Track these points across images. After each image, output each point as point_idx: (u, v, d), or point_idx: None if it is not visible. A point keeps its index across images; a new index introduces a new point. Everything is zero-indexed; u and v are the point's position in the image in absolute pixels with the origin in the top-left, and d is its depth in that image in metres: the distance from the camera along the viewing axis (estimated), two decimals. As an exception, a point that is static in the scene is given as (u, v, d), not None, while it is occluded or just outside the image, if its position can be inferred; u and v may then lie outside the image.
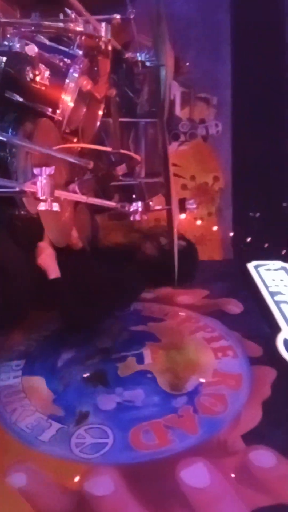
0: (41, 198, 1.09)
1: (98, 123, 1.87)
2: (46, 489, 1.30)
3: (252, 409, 1.60)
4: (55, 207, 1.12)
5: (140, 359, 1.83)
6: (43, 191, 1.08)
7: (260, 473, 1.36)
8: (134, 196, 2.00)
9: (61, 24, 1.39)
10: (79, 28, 1.38)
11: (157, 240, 2.10)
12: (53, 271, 1.73)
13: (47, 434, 1.47)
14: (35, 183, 1.09)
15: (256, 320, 2.15)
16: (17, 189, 1.11)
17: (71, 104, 1.49)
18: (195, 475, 1.34)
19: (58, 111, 1.47)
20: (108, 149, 1.70)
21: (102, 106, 1.86)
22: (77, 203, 1.72)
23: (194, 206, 1.94)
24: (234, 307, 2.25)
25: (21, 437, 1.46)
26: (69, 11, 1.39)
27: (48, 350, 1.86)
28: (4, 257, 1.67)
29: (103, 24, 1.44)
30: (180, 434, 1.49)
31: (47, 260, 1.72)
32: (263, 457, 1.40)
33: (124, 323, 2.06)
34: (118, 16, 1.68)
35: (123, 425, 1.51)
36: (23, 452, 1.41)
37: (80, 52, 1.56)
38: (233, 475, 1.36)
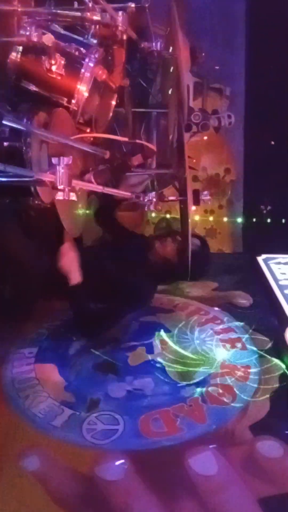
0: (59, 187, 1.10)
1: (111, 113, 1.87)
2: (59, 473, 1.34)
3: (260, 400, 1.62)
4: (72, 196, 1.13)
5: (149, 349, 1.86)
6: (61, 181, 1.09)
7: (267, 463, 1.38)
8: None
9: (78, 13, 1.38)
10: (96, 17, 1.37)
11: (168, 235, 2.09)
12: (75, 277, 1.68)
13: (60, 420, 1.50)
14: (53, 173, 1.10)
15: (265, 313, 2.16)
16: (35, 178, 1.12)
17: (86, 94, 1.50)
18: (203, 463, 1.36)
19: (73, 101, 1.47)
20: (125, 139, 1.70)
21: (115, 96, 1.86)
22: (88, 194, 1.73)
23: (208, 197, 1.94)
24: (243, 299, 2.26)
25: (34, 422, 1.49)
26: (86, 0, 1.38)
27: (60, 339, 1.89)
28: (17, 246, 1.69)
29: (120, 13, 1.43)
30: (189, 423, 1.51)
31: (69, 264, 1.67)
32: (270, 448, 1.42)
33: (134, 313, 2.08)
34: (133, 5, 1.66)
35: (133, 413, 1.53)
36: (36, 436, 1.45)
37: (95, 41, 1.56)
38: (240, 464, 1.38)
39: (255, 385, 1.68)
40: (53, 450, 1.40)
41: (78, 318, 1.78)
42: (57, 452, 1.40)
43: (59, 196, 1.14)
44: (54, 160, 1.11)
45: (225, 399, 1.61)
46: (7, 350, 1.81)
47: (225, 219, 2.85)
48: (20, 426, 1.48)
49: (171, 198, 1.71)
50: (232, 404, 1.59)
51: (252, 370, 1.76)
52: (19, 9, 1.35)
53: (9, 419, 1.51)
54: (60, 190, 1.11)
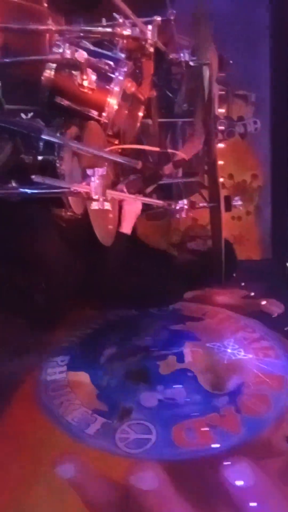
0: (94, 197, 1.13)
1: (139, 125, 1.90)
2: (94, 481, 1.34)
3: (296, 410, 1.58)
4: (107, 206, 1.16)
5: (180, 357, 1.85)
6: (96, 191, 1.12)
7: (305, 475, 1.34)
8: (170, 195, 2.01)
9: (108, 29, 1.42)
10: (126, 32, 1.41)
11: (194, 244, 2.10)
12: (127, 227, 1.72)
13: (93, 428, 1.51)
14: (88, 184, 1.14)
15: (297, 320, 2.11)
16: (72, 189, 1.16)
17: (116, 107, 1.53)
18: (239, 474, 1.34)
19: (103, 114, 1.51)
20: (157, 149, 1.73)
21: (143, 107, 1.89)
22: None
23: (240, 203, 1.93)
24: (275, 307, 2.22)
25: (68, 429, 1.51)
26: (117, 16, 1.42)
27: (91, 347, 1.91)
28: (51, 256, 1.74)
29: (150, 27, 1.47)
30: (223, 433, 1.49)
31: (130, 213, 1.70)
32: (309, 460, 1.38)
33: (163, 322, 2.09)
34: (159, 18, 1.70)
35: (166, 422, 1.52)
36: (70, 444, 1.46)
37: (123, 55, 1.60)
38: (278, 476, 1.35)
39: (291, 395, 1.64)
40: (87, 458, 1.41)
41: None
42: (91, 460, 1.41)
43: (94, 206, 1.17)
44: (89, 172, 1.14)
45: (259, 409, 1.58)
46: (40, 358, 1.85)
47: (253, 225, 2.82)
48: (54, 433, 1.50)
49: (202, 204, 1.71)
50: (267, 414, 1.56)
51: (286, 378, 1.72)
52: (53, 28, 1.40)
53: (43, 426, 1.53)
54: (95, 200, 1.14)
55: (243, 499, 1.28)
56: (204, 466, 1.39)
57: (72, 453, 1.43)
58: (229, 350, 1.90)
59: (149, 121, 2.05)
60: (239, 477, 1.33)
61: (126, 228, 1.72)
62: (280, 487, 1.32)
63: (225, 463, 1.37)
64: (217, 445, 1.45)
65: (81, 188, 1.15)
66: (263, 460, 1.39)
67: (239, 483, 1.31)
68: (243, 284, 2.39)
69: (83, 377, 1.75)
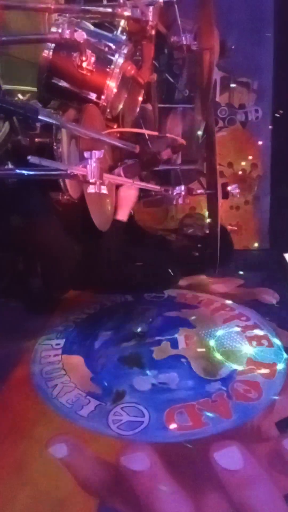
0: (91, 180, 1.12)
1: (138, 109, 1.88)
2: (86, 461, 1.37)
3: (286, 397, 1.60)
4: (103, 189, 1.15)
5: (174, 344, 1.87)
6: (93, 174, 1.12)
7: (293, 460, 1.37)
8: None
9: (109, 9, 1.40)
10: (127, 13, 1.38)
11: (191, 229, 2.10)
12: (123, 214, 1.70)
13: (86, 410, 1.53)
14: (85, 166, 1.13)
15: (292, 310, 2.13)
16: (68, 171, 1.15)
17: (115, 90, 1.51)
18: (228, 458, 1.36)
19: (102, 97, 1.49)
20: (155, 133, 1.71)
21: (142, 91, 1.87)
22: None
23: (237, 191, 1.93)
24: (270, 297, 2.23)
25: (61, 411, 1.53)
26: (117, -4, 1.40)
27: (86, 332, 1.93)
28: (47, 240, 1.73)
29: (151, 8, 1.44)
30: (214, 418, 1.51)
31: (126, 199, 1.68)
32: (297, 445, 1.40)
33: (158, 308, 2.10)
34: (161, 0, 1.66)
35: (158, 406, 1.55)
36: (63, 425, 1.48)
37: (124, 37, 1.57)
38: (266, 460, 1.37)
39: (282, 382, 1.66)
40: (80, 439, 1.44)
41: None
42: (84, 441, 1.43)
43: (91, 189, 1.16)
44: (86, 154, 1.13)
45: (251, 395, 1.60)
46: (35, 341, 1.86)
47: (251, 215, 2.82)
48: (48, 414, 1.52)
49: (199, 191, 1.70)
50: (258, 401, 1.58)
51: (278, 367, 1.74)
52: (52, 7, 1.37)
53: (37, 407, 1.55)
54: (91, 183, 1.14)
55: (232, 481, 1.31)
56: (194, 449, 1.41)
57: (66, 433, 1.45)
58: (222, 338, 1.91)
59: (149, 106, 2.03)
60: (228, 460, 1.36)
61: (122, 215, 1.71)
62: (268, 471, 1.34)
63: (215, 446, 1.39)
64: (208, 430, 1.47)
65: (78, 170, 1.14)
66: (253, 445, 1.41)
67: (229, 466, 1.34)
68: (240, 273, 2.40)
69: (77, 360, 1.77)
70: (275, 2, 2.69)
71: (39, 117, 1.16)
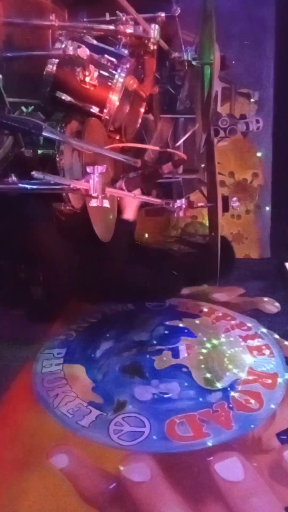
0: (93, 195, 1.14)
1: (140, 121, 1.91)
2: (87, 471, 1.37)
3: (287, 408, 1.60)
4: (106, 203, 1.17)
5: (175, 353, 1.87)
6: (95, 189, 1.14)
7: (294, 472, 1.37)
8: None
9: (111, 27, 1.43)
10: (129, 30, 1.41)
11: (193, 238, 2.12)
12: (129, 213, 1.72)
13: (87, 420, 1.53)
14: (87, 181, 1.15)
15: (293, 320, 2.13)
16: (71, 186, 1.17)
17: (117, 103, 1.54)
18: (229, 469, 1.36)
19: (105, 110, 1.52)
20: (157, 148, 1.74)
21: (144, 103, 1.90)
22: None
23: (238, 203, 1.94)
24: (271, 306, 2.24)
25: (62, 421, 1.53)
26: (120, 14, 1.43)
27: (88, 341, 1.93)
28: (49, 249, 1.75)
29: (153, 25, 1.47)
30: (215, 428, 1.51)
31: (130, 204, 1.71)
32: (298, 456, 1.40)
33: (159, 317, 2.11)
34: (163, 14, 1.70)
35: (159, 416, 1.55)
36: (64, 435, 1.49)
37: (126, 52, 1.60)
38: (267, 472, 1.37)
39: (283, 393, 1.66)
40: (81, 449, 1.44)
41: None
42: (85, 451, 1.43)
43: (93, 203, 1.18)
44: (89, 169, 1.15)
45: (251, 406, 1.60)
46: (36, 350, 1.87)
47: (252, 224, 2.83)
48: (49, 424, 1.52)
49: (200, 204, 1.72)
50: (259, 411, 1.58)
51: (280, 377, 1.74)
52: (56, 24, 1.40)
53: (38, 417, 1.56)
54: (94, 197, 1.16)
55: (233, 493, 1.30)
56: (195, 460, 1.41)
57: (66, 443, 1.45)
58: (224, 348, 1.92)
59: (150, 117, 2.06)
60: (229, 471, 1.36)
61: (129, 214, 1.72)
62: (269, 482, 1.34)
63: (216, 457, 1.39)
64: (209, 440, 1.47)
65: (81, 185, 1.16)
66: (253, 456, 1.41)
67: (230, 477, 1.34)
68: (240, 282, 2.41)
69: (79, 369, 1.77)
70: (276, 13, 2.73)
71: (43, 133, 1.19)
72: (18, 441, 1.46)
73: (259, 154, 2.77)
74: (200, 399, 1.63)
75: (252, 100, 2.59)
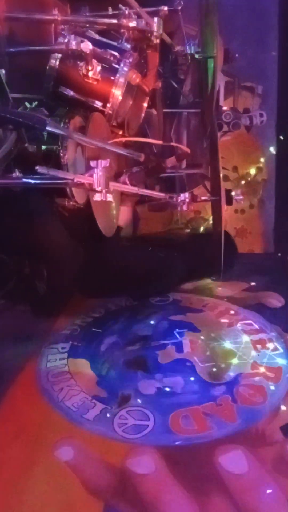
0: (97, 189, 1.14)
1: (143, 115, 1.90)
2: (92, 464, 1.38)
3: (291, 402, 1.61)
4: (109, 197, 1.17)
5: (179, 347, 1.87)
6: (99, 183, 1.14)
7: (298, 465, 1.37)
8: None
9: (114, 21, 1.42)
10: (132, 24, 1.41)
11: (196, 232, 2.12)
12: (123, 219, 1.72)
13: (92, 413, 1.55)
14: (91, 175, 1.15)
15: (297, 314, 2.13)
16: (75, 180, 1.17)
17: (120, 98, 1.54)
18: (233, 461, 1.37)
19: (108, 105, 1.51)
20: (160, 142, 1.74)
21: (147, 98, 1.89)
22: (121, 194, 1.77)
23: (241, 197, 1.94)
24: (275, 300, 2.23)
25: (67, 414, 1.54)
26: (123, 8, 1.42)
27: (92, 335, 1.94)
28: (53, 244, 1.76)
29: (156, 19, 1.46)
30: (219, 421, 1.52)
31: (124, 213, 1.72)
32: (302, 450, 1.41)
33: (163, 312, 2.11)
34: (166, 8, 1.69)
35: (163, 410, 1.56)
36: (69, 428, 1.50)
37: (129, 46, 1.60)
38: (271, 464, 1.38)
39: (287, 386, 1.67)
40: (86, 442, 1.45)
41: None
42: (90, 444, 1.44)
43: (97, 197, 1.18)
44: (92, 163, 1.16)
45: (255, 400, 1.60)
46: (41, 344, 1.88)
47: (256, 219, 2.83)
48: (54, 418, 1.54)
49: (203, 198, 1.72)
50: (263, 405, 1.59)
51: (284, 371, 1.74)
52: (59, 18, 1.40)
53: (43, 411, 1.57)
54: (97, 191, 1.16)
55: (237, 485, 1.31)
56: (199, 453, 1.42)
57: (71, 437, 1.47)
58: (227, 342, 1.92)
59: (153, 111, 2.05)
60: (233, 464, 1.36)
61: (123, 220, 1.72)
62: (273, 475, 1.35)
63: (220, 450, 1.40)
64: (213, 433, 1.48)
65: (84, 179, 1.16)
66: (257, 449, 1.42)
67: (234, 470, 1.35)
68: (244, 277, 2.41)
69: (83, 364, 1.78)
70: (280, 7, 2.70)
71: (47, 128, 1.19)
72: (24, 435, 1.47)
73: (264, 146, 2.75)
74: (204, 393, 1.64)
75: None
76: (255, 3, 2.71)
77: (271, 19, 2.73)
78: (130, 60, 1.52)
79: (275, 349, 1.88)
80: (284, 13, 2.70)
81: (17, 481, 1.33)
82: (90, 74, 1.43)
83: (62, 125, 1.48)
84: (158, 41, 1.56)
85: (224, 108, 2.47)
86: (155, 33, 1.48)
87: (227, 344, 1.91)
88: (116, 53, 1.54)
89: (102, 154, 1.29)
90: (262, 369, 1.75)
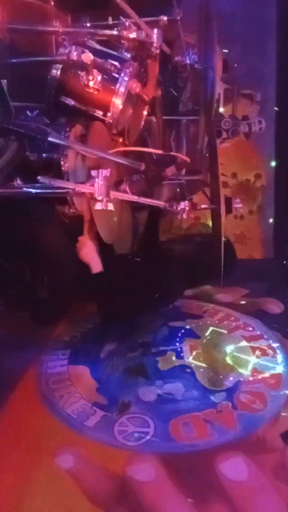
0: (98, 198, 1.15)
1: (143, 123, 1.92)
2: (92, 471, 1.38)
3: (291, 408, 1.61)
4: (110, 206, 1.18)
5: (179, 354, 1.88)
6: (100, 192, 1.15)
7: (299, 472, 1.38)
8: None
9: (114, 32, 1.44)
10: (132, 35, 1.43)
11: (195, 239, 2.13)
12: (96, 266, 1.75)
13: (92, 421, 1.55)
14: (92, 184, 1.16)
15: (297, 320, 2.14)
16: (76, 189, 1.19)
17: (121, 107, 1.56)
18: (233, 468, 1.37)
19: (108, 114, 1.53)
20: (160, 151, 1.75)
21: (147, 106, 1.91)
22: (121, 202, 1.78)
23: (241, 205, 1.95)
24: (275, 306, 2.24)
25: (68, 421, 1.54)
26: (123, 19, 1.44)
27: (92, 342, 1.95)
28: (53, 251, 1.77)
29: (155, 30, 1.49)
30: (219, 428, 1.52)
31: (89, 254, 1.74)
32: (302, 456, 1.41)
33: (163, 318, 2.12)
34: (165, 18, 1.71)
35: (164, 416, 1.56)
36: (70, 435, 1.50)
37: (129, 56, 1.62)
38: (271, 471, 1.38)
39: (287, 394, 1.67)
40: (86, 449, 1.45)
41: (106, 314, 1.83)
42: (90, 451, 1.44)
43: (98, 206, 1.19)
44: (93, 173, 1.17)
45: (256, 406, 1.61)
46: (41, 351, 1.89)
47: (255, 224, 2.84)
48: (54, 425, 1.54)
49: (203, 206, 1.74)
50: (263, 412, 1.59)
51: (284, 377, 1.75)
52: (60, 30, 1.42)
53: (44, 418, 1.57)
54: (98, 201, 1.17)
55: (237, 492, 1.31)
56: (200, 460, 1.42)
57: (72, 444, 1.47)
58: (227, 348, 1.92)
59: (153, 119, 2.07)
60: (234, 471, 1.36)
61: (96, 267, 1.73)
62: (273, 482, 1.35)
63: (221, 457, 1.40)
64: (213, 440, 1.48)
65: (85, 188, 1.18)
66: (258, 456, 1.42)
67: (234, 477, 1.35)
68: (244, 283, 2.41)
69: (83, 371, 1.78)
70: (278, 14, 2.74)
71: (49, 138, 1.20)
72: (24, 441, 1.47)
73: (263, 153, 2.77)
74: (204, 399, 1.64)
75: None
76: (254, 11, 2.74)
77: (269, 27, 2.76)
78: (130, 69, 1.54)
79: (275, 355, 1.89)
80: (282, 21, 2.73)
81: (18, 489, 1.33)
82: (91, 83, 1.45)
83: (62, 134, 1.49)
84: (157, 51, 1.58)
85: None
86: (155, 44, 1.50)
87: (227, 350, 1.91)
88: (116, 63, 1.56)
89: (102, 163, 1.31)
90: (262, 376, 1.76)
